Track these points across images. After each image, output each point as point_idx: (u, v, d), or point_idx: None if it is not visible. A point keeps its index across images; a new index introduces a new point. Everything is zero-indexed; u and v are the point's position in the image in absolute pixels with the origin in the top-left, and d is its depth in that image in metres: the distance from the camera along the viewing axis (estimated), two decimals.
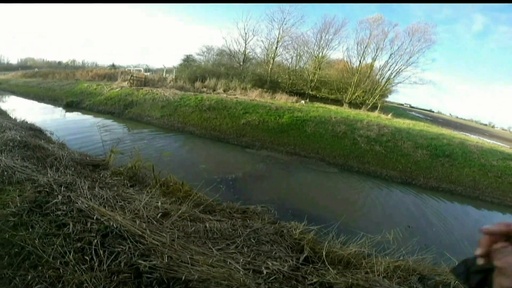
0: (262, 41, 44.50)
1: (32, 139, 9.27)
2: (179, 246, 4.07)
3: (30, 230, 3.92)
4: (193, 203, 6.42)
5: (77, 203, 4.58)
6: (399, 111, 48.91)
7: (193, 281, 3.24)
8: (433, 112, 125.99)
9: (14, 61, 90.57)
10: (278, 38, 41.16)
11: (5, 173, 5.76)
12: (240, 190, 10.95)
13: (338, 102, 38.10)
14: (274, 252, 4.71)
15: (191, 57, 45.84)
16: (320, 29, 40.77)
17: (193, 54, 46.18)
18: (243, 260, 4.08)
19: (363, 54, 39.90)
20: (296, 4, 42.98)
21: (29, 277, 3.15)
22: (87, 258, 3.42)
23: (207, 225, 5.16)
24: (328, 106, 31.45)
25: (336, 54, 49.01)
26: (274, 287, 3.54)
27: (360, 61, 40.40)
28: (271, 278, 3.73)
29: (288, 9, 41.34)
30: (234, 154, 17.66)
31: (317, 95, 39.77)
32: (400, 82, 40.40)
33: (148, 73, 38.88)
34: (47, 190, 5.00)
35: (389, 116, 30.40)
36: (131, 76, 31.80)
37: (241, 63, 41.67)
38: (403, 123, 27.29)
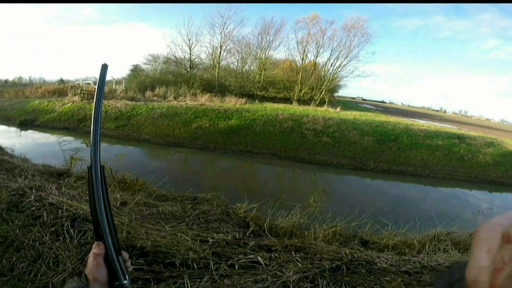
0: (206, 46, 44.17)
1: None
2: (136, 224, 4.74)
3: (11, 224, 4.57)
4: (147, 193, 7.21)
5: (47, 199, 5.26)
6: (350, 104, 49.80)
7: (147, 246, 3.94)
8: (385, 102, 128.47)
9: None
10: (220, 43, 41.43)
11: None
12: (195, 183, 11.56)
13: (287, 100, 38.81)
14: (221, 228, 5.37)
15: (139, 66, 45.06)
16: (260, 31, 41.45)
17: (140, 63, 45.36)
18: (192, 234, 4.72)
19: (304, 52, 40.85)
20: (235, 5, 42.95)
21: (14, 259, 3.80)
22: (60, 238, 4.13)
23: (160, 209, 5.87)
24: (276, 105, 32.21)
25: (279, 54, 49.11)
26: (217, 250, 4.13)
27: (303, 59, 41.30)
28: (215, 245, 4.35)
29: (227, 13, 41.43)
30: (189, 155, 18.77)
31: (266, 95, 40.28)
32: (345, 77, 41.57)
33: None
34: (20, 193, 5.66)
35: (337, 109, 31.46)
36: (81, 90, 31.32)
37: (188, 70, 41.54)
38: (350, 114, 28.40)
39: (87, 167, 1.18)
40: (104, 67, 1.33)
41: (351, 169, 17.52)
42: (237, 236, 4.92)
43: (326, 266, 3.67)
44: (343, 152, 18.83)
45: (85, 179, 8.30)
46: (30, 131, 24.34)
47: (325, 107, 32.91)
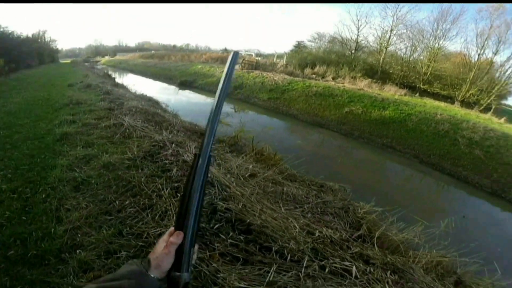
0: (375, 29, 42.81)
1: (150, 108, 10.78)
2: (255, 199, 4.85)
3: (140, 171, 5.06)
4: (279, 170, 7.32)
5: (183, 156, 5.66)
6: None
7: (254, 225, 3.96)
8: None
9: (132, 44, 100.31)
10: (391, 26, 39.18)
11: (127, 130, 7.23)
12: (326, 169, 11.44)
13: (449, 99, 35.51)
14: (333, 224, 5.24)
15: (303, 43, 45.09)
16: (436, 17, 37.87)
17: (304, 40, 45.45)
18: (302, 222, 4.69)
19: (482, 47, 35.88)
20: None
21: (126, 202, 4.19)
22: (178, 194, 4.36)
23: (285, 189, 5.94)
24: (437, 102, 29.97)
25: (453, 45, 44.98)
26: (318, 247, 3.98)
27: (479, 55, 36.42)
28: (319, 240, 4.22)
29: None
30: (331, 139, 18.69)
31: (429, 90, 37.55)
32: None
33: (259, 58, 39.91)
34: (161, 145, 6.21)
35: (502, 120, 27.48)
36: (243, 60, 32.91)
37: (353, 51, 40.48)
38: None
39: (195, 153, 1.19)
40: (235, 55, 1.34)
41: (489, 193, 15.13)
42: (344, 236, 4.73)
43: None
44: (489, 171, 16.33)
45: (224, 143, 8.74)
46: (187, 91, 26.70)
47: (489, 114, 29.22)
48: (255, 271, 3.26)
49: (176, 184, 4.64)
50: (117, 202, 4.19)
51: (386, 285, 3.56)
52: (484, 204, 14.02)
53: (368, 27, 40.93)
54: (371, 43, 42.26)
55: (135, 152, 5.77)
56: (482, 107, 32.59)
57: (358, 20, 40.04)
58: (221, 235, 3.67)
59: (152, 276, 1.04)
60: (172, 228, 1.13)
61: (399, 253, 4.98)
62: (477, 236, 9.32)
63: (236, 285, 2.95)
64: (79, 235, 3.51)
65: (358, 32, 40.52)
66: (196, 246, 1.18)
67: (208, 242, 3.50)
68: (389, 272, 3.89)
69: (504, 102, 41.65)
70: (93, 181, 4.81)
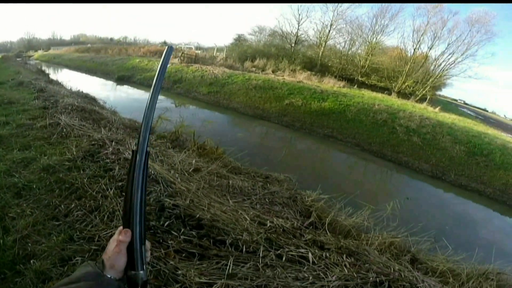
0: (315, 23, 42.62)
1: (87, 105, 10.43)
2: (202, 194, 4.81)
3: (82, 172, 4.86)
4: (223, 164, 7.29)
5: (124, 154, 5.51)
6: (450, 106, 44.46)
7: (205, 219, 3.93)
8: (487, 111, 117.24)
9: (67, 37, 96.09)
10: (331, 20, 39.60)
11: (65, 129, 6.95)
12: (270, 160, 11.72)
13: (386, 90, 36.57)
14: (283, 213, 5.30)
15: (243, 36, 45.26)
16: (376, 13, 38.77)
17: (245, 33, 45.59)
18: (252, 213, 4.70)
19: (418, 42, 37.63)
20: None
21: (72, 205, 4.01)
22: (123, 193, 4.26)
23: (230, 182, 5.91)
24: (374, 93, 30.66)
25: (390, 40, 46.38)
26: (271, 237, 4.04)
27: (414, 50, 38.22)
28: (271, 230, 4.27)
29: None
30: (273, 130, 18.86)
31: (366, 82, 38.41)
32: (456, 75, 37.60)
33: (199, 51, 39.82)
34: (100, 143, 6.01)
35: (437, 109, 28.64)
36: (182, 53, 32.79)
37: (293, 45, 40.78)
38: (449, 117, 25.56)
39: (132, 150, 1.17)
40: (169, 49, 1.28)
41: (429, 176, 16.19)
42: (295, 224, 4.80)
43: (371, 278, 3.48)
44: (428, 156, 17.34)
45: (165, 138, 8.60)
46: (125, 86, 26.20)
47: (424, 104, 30.04)
48: (213, 265, 3.26)
49: (120, 183, 4.53)
50: (62, 206, 4.03)
51: (344, 268, 3.62)
52: (427, 186, 14.83)
53: (308, 21, 41.33)
54: (311, 37, 42.79)
55: (75, 153, 5.55)
56: (417, 98, 33.82)
57: (299, 14, 40.32)
58: (172, 232, 3.64)
59: (109, 276, 1.05)
60: (121, 227, 1.13)
61: (352, 237, 5.16)
62: (424, 216, 9.80)
63: (197, 281, 2.94)
64: (30, 244, 3.36)
65: (299, 26, 40.81)
66: (148, 244, 1.18)
67: (161, 240, 3.47)
68: (344, 255, 3.98)
69: (438, 92, 44.36)
70: (34, 186, 4.58)
